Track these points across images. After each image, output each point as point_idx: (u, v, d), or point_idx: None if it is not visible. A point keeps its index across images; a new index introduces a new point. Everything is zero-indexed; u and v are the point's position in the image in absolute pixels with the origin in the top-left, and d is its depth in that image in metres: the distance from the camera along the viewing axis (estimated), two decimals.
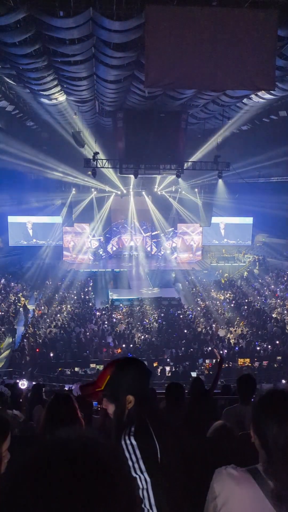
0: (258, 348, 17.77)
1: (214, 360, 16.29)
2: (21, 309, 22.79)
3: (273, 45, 10.87)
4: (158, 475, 1.76)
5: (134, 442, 1.76)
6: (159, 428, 1.86)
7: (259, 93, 16.73)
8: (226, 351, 17.30)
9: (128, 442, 1.77)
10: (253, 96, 17.36)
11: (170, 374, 15.43)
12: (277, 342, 17.90)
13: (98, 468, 0.72)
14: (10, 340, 19.49)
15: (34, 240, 30.39)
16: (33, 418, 5.71)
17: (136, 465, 1.74)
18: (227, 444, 2.97)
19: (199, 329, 19.79)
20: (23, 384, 9.89)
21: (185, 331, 19.54)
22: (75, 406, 2.58)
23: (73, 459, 0.71)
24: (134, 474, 1.73)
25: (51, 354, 16.93)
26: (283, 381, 13.29)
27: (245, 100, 18.24)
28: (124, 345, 17.89)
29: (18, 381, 10.45)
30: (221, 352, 17.07)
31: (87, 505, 0.67)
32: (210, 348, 17.24)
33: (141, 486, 1.73)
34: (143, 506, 1.73)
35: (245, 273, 29.63)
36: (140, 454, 1.75)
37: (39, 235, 30.51)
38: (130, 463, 1.73)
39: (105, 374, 1.95)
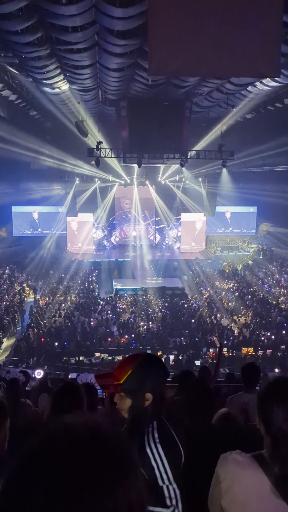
0: (262, 338, 17.81)
1: (217, 349, 16.31)
2: (26, 298, 22.90)
3: (278, 31, 10.71)
4: (182, 482, 1.74)
5: (161, 451, 1.72)
6: (180, 433, 1.83)
7: (264, 81, 16.56)
8: (229, 339, 17.36)
9: (154, 451, 1.72)
10: (257, 83, 17.18)
11: (173, 363, 15.52)
12: (284, 332, 17.91)
13: (105, 453, 0.72)
14: (15, 329, 19.63)
15: (39, 230, 30.42)
16: (39, 406, 5.76)
17: (164, 476, 1.69)
18: (231, 431, 2.99)
19: (203, 319, 19.84)
20: (39, 373, 9.91)
21: (189, 320, 19.59)
22: (82, 396, 2.59)
23: (79, 443, 0.71)
24: (161, 484, 1.69)
25: (56, 344, 17.06)
26: (276, 370, 13.36)
27: (249, 88, 18.06)
28: (128, 335, 17.98)
29: (34, 370, 10.48)
30: (224, 342, 17.15)
31: (94, 490, 0.68)
32: (210, 337, 17.28)
33: (168, 495, 1.69)
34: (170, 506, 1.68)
35: (250, 262, 29.63)
36: (168, 464, 1.71)
37: (43, 225, 30.55)
38: (157, 472, 1.69)
39: (125, 368, 1.90)
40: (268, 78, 15.34)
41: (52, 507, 0.65)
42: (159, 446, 1.72)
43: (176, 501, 1.70)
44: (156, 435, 1.75)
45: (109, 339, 17.52)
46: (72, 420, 0.78)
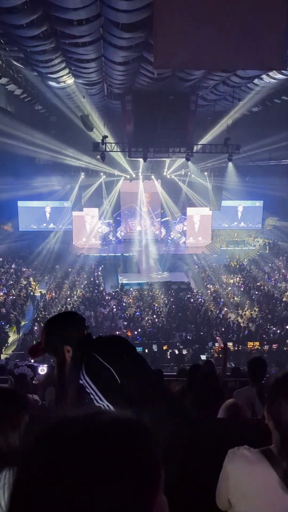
0: (268, 332, 17.80)
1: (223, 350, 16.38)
2: (32, 293, 23.00)
3: (284, 23, 10.60)
4: (119, 398, 1.93)
5: (87, 378, 1.97)
6: (109, 353, 2.03)
7: (270, 73, 16.42)
8: (235, 334, 17.36)
9: (84, 381, 1.97)
10: (264, 76, 17.05)
11: (179, 357, 15.54)
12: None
13: (114, 443, 0.72)
14: (22, 323, 19.73)
15: (51, 225, 30.50)
16: (45, 400, 5.79)
17: (96, 397, 1.94)
18: (238, 425, 2.99)
19: (209, 313, 19.85)
20: (42, 370, 9.93)
21: (195, 314, 19.60)
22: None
23: (87, 433, 0.72)
24: (97, 404, 1.93)
25: None
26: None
27: (256, 81, 17.93)
28: (134, 329, 18.03)
29: (39, 365, 10.49)
30: (230, 336, 17.17)
31: (101, 480, 0.68)
32: (215, 335, 17.24)
33: None
34: None
35: (257, 253, 29.62)
36: (95, 386, 1.95)
37: (49, 219, 30.63)
38: (92, 397, 1.95)
39: (43, 333, 2.16)
40: (274, 71, 15.21)
41: (62, 495, 0.66)
42: (86, 376, 1.97)
43: None
44: (84, 369, 2.00)
45: (119, 332, 17.59)
46: (79, 412, 0.78)
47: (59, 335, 2.13)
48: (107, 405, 1.92)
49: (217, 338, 16.59)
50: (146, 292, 23.11)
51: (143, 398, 1.96)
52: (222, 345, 14.63)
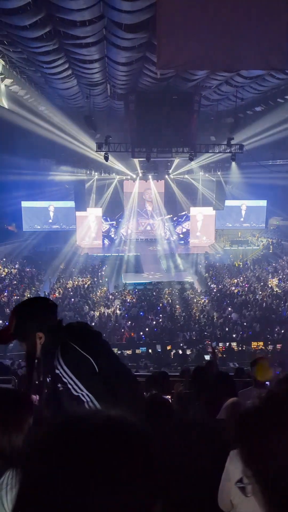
0: (272, 331, 17.74)
1: (227, 343, 16.39)
2: (35, 293, 23.00)
3: (287, 23, 10.59)
4: (99, 387, 1.92)
5: (66, 369, 1.92)
6: (84, 342, 1.99)
7: (273, 73, 16.38)
8: (239, 334, 17.33)
9: (61, 370, 1.92)
10: (267, 76, 17.01)
11: (174, 357, 15.56)
12: None
13: (119, 442, 0.73)
14: None
15: (57, 226, 30.54)
16: None
17: (75, 387, 1.91)
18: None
19: (213, 313, 19.82)
20: None
21: (198, 314, 19.59)
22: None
23: (92, 431, 0.73)
24: (76, 394, 1.90)
25: None
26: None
27: (259, 81, 17.88)
28: (137, 329, 18.03)
29: None
30: (233, 335, 17.17)
31: (107, 476, 0.69)
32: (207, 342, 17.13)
33: (85, 400, 1.92)
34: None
35: (260, 253, 29.56)
36: (74, 375, 1.91)
37: (54, 220, 30.70)
38: (69, 386, 1.92)
39: (11, 319, 2.06)
40: (277, 71, 15.17)
41: (68, 495, 0.67)
42: (64, 366, 1.93)
43: (93, 403, 1.93)
44: (60, 358, 1.94)
45: (123, 331, 17.63)
46: (83, 412, 0.80)
47: (31, 320, 2.03)
48: (87, 394, 1.88)
49: (207, 342, 16.49)
50: (149, 292, 23.11)
51: (121, 386, 1.95)
52: (210, 350, 14.72)
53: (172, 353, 15.79)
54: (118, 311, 20.29)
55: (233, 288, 23.93)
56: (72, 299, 21.97)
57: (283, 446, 0.88)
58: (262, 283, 24.31)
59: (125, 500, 0.69)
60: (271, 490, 0.89)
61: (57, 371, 1.93)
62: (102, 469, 0.69)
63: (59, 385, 1.94)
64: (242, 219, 31.98)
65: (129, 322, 18.70)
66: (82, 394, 1.89)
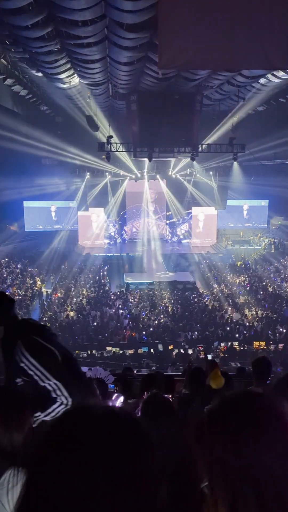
0: (274, 331, 17.74)
1: (229, 343, 16.39)
2: (38, 293, 23.06)
3: None
4: (66, 374, 1.93)
5: (32, 360, 1.91)
6: (46, 336, 1.99)
7: (275, 72, 16.36)
8: (241, 334, 17.32)
9: (26, 361, 1.91)
10: (269, 75, 16.99)
11: (184, 357, 15.55)
12: None
13: (118, 429, 0.75)
14: None
15: (58, 226, 30.59)
16: None
17: (42, 377, 1.90)
18: None
19: (215, 313, 19.82)
20: None
21: (200, 314, 19.59)
22: (94, 389, 2.63)
23: (96, 424, 0.75)
24: (42, 384, 1.90)
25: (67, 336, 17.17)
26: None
27: (261, 80, 17.86)
28: (139, 328, 18.04)
29: None
30: (236, 335, 17.17)
31: (109, 468, 0.71)
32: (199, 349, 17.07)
33: (51, 389, 1.92)
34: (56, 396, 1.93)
35: (262, 252, 29.54)
36: (42, 367, 1.91)
37: (55, 219, 30.75)
38: (36, 377, 1.90)
39: None
40: (279, 70, 15.16)
41: (72, 481, 0.69)
42: (29, 356, 1.91)
43: (60, 391, 1.93)
44: (23, 350, 1.92)
45: (125, 331, 17.63)
46: (88, 404, 0.82)
47: None
48: (54, 383, 1.91)
49: (200, 347, 16.43)
50: (151, 292, 23.13)
51: (78, 370, 2.00)
52: (202, 356, 14.76)
53: (174, 353, 15.81)
54: (120, 311, 20.32)
55: (234, 288, 23.95)
56: (75, 299, 22.02)
57: (228, 454, 0.88)
58: (264, 283, 24.30)
59: (132, 488, 0.71)
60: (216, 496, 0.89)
61: (21, 364, 1.93)
62: (109, 462, 0.71)
63: (18, 379, 1.95)
64: (246, 217, 31.95)
65: (131, 322, 18.72)
66: (49, 384, 1.91)
